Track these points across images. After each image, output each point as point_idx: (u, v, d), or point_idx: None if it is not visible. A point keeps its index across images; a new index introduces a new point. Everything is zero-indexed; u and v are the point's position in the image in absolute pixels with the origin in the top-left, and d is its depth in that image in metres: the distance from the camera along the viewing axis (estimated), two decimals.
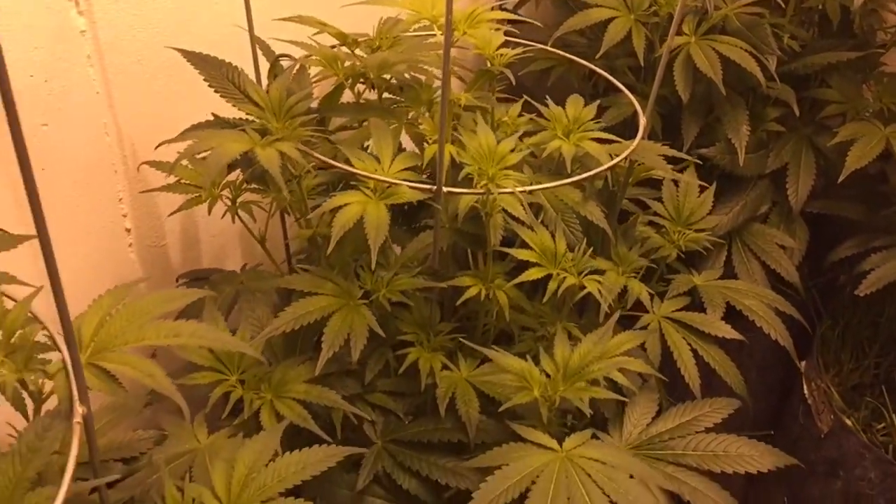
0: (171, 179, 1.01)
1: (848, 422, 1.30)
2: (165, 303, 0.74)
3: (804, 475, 1.35)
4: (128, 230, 1.10)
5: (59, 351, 0.66)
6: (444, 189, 0.89)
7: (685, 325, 1.10)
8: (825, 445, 1.32)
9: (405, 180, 0.90)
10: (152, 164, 1.03)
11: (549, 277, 0.93)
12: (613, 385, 0.91)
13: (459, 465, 0.93)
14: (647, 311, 1.09)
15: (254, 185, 0.99)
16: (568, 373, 0.87)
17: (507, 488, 0.78)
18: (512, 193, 0.88)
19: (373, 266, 0.89)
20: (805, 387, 1.38)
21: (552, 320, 0.97)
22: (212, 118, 0.97)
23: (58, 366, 0.66)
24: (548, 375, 0.87)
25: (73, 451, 0.59)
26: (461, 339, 0.97)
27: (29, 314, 0.68)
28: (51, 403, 0.66)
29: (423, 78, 1.03)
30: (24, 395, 0.68)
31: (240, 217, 1.01)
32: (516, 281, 0.93)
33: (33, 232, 0.54)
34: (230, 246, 1.27)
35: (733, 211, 1.37)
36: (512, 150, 0.91)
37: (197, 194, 0.99)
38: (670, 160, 1.04)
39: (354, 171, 0.91)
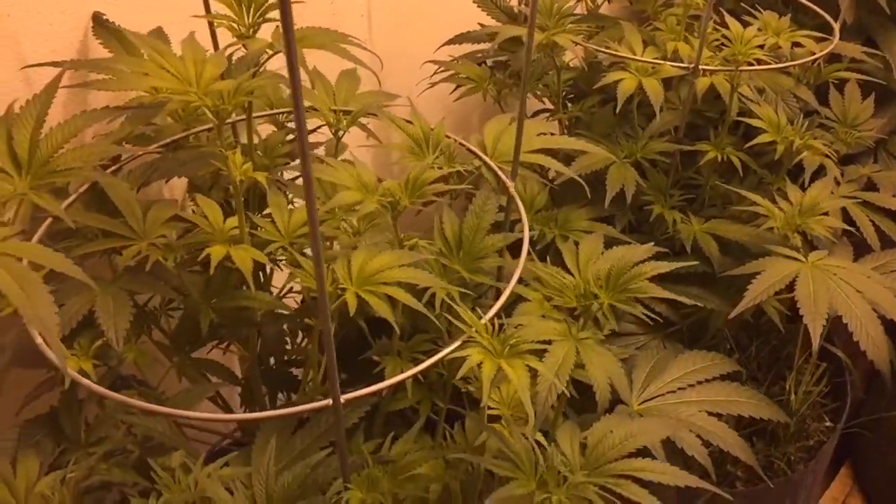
0: None
1: None
2: None
3: None
4: None
5: None
6: (700, 66, 1.13)
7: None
8: None
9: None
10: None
11: (773, 143, 1.17)
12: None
13: (704, 291, 1.17)
14: None
15: None
16: (803, 209, 1.11)
17: (773, 283, 1.01)
18: (755, 70, 1.12)
19: (657, 127, 1.13)
20: None
21: (772, 179, 1.21)
22: None
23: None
24: (784, 210, 1.11)
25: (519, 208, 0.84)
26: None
27: None
28: None
29: None
30: None
31: None
32: (750, 144, 1.17)
33: None
34: None
35: (883, 121, 1.60)
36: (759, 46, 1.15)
37: None
38: None
39: (623, 55, 1.16)
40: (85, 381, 0.69)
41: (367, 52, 0.91)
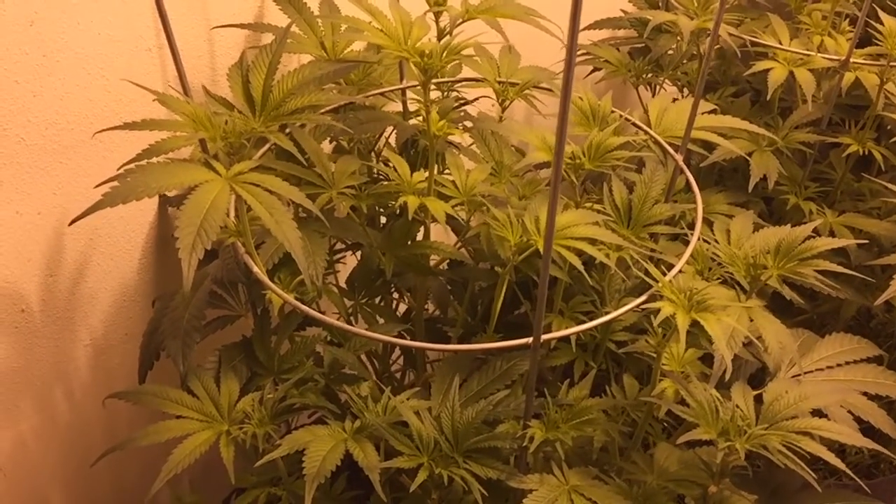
0: None
1: None
2: None
3: None
4: None
5: None
6: (852, 60, 1.16)
7: None
8: None
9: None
10: None
11: None
12: None
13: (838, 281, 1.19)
14: None
15: None
16: None
17: None
18: None
19: (800, 117, 1.16)
20: None
21: None
22: None
23: None
24: None
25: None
26: None
27: None
28: None
29: None
30: None
31: None
32: None
33: None
34: None
35: None
36: None
37: None
38: None
39: (773, 45, 1.19)
40: (303, 307, 0.75)
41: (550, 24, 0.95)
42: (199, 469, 0.96)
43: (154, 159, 0.70)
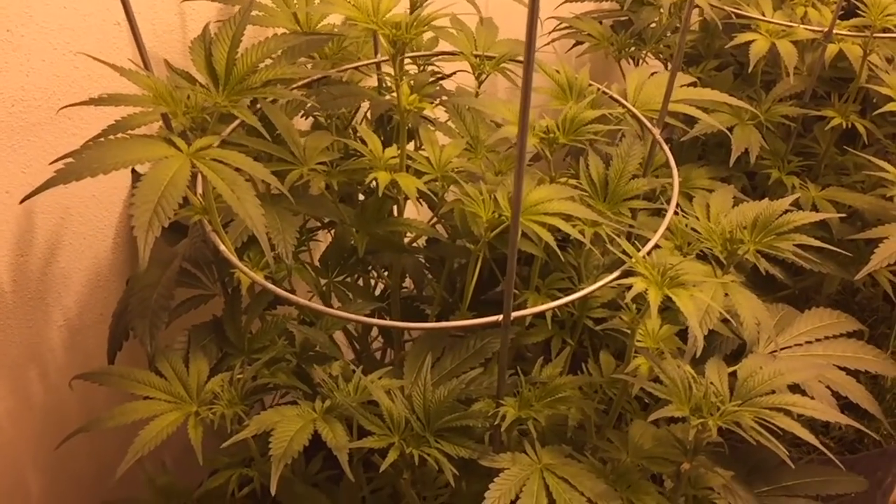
0: None
1: None
2: None
3: None
4: None
5: None
6: (835, 32, 1.14)
7: None
8: None
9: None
10: None
11: None
12: None
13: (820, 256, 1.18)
14: None
15: None
16: None
17: None
18: (890, 37, 1.13)
19: (782, 90, 1.14)
20: None
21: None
22: None
23: None
24: None
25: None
26: None
27: None
28: None
29: None
30: None
31: None
32: (879, 112, 1.17)
33: None
34: None
35: None
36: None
37: None
38: None
39: (755, 17, 1.17)
40: (270, 285, 0.74)
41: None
42: (179, 449, 0.95)
43: (118, 136, 0.69)
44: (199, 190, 0.80)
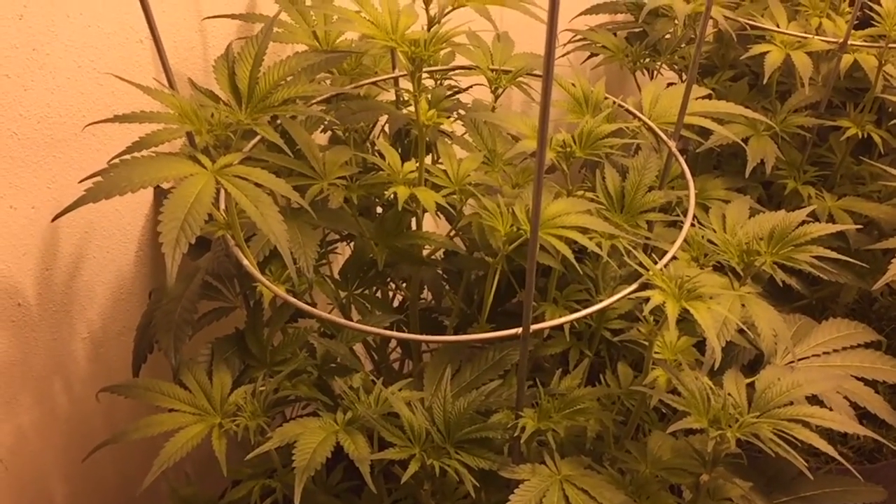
0: None
1: None
2: None
3: None
4: None
5: None
6: (850, 42, 1.14)
7: None
8: None
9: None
10: None
11: None
12: None
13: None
14: None
15: None
16: None
17: None
18: None
19: (798, 101, 1.15)
20: None
21: None
22: None
23: None
24: None
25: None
26: None
27: None
28: None
29: None
30: None
31: None
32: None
33: None
34: None
35: None
36: None
37: None
38: None
39: (770, 28, 1.18)
40: (292, 299, 0.75)
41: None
42: (202, 460, 0.96)
43: (143, 153, 0.70)
44: (222, 205, 0.81)
